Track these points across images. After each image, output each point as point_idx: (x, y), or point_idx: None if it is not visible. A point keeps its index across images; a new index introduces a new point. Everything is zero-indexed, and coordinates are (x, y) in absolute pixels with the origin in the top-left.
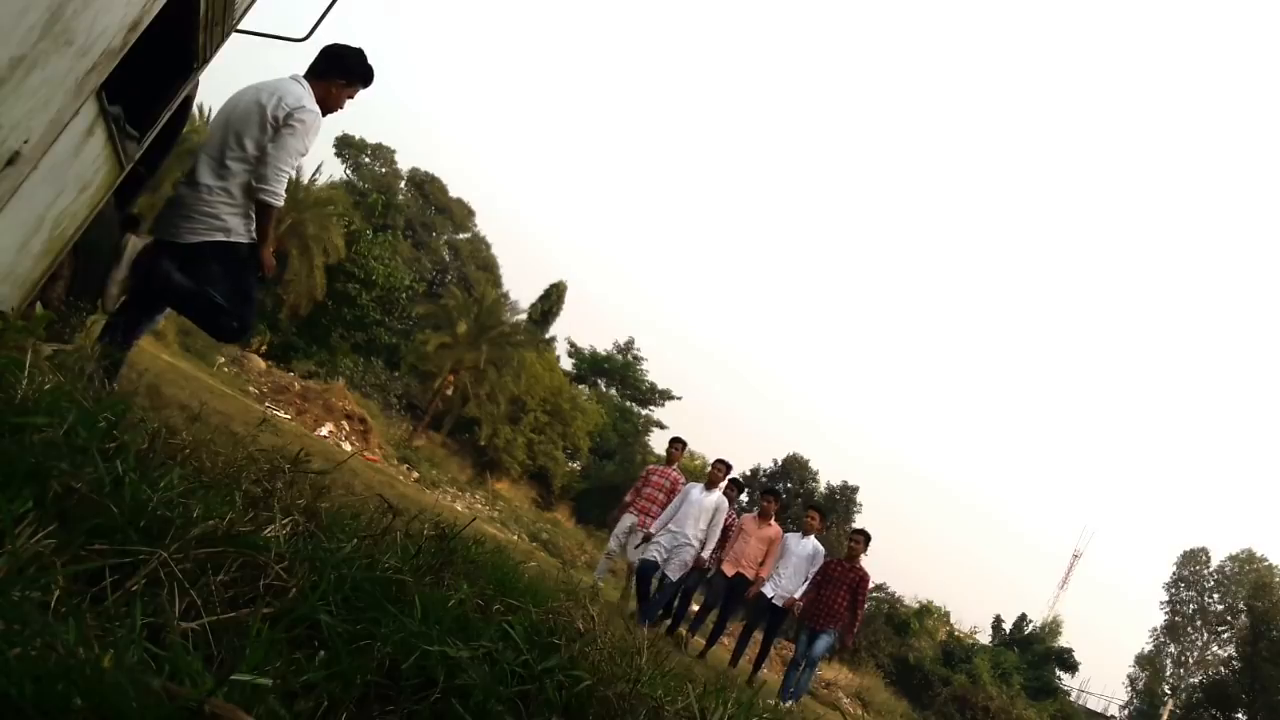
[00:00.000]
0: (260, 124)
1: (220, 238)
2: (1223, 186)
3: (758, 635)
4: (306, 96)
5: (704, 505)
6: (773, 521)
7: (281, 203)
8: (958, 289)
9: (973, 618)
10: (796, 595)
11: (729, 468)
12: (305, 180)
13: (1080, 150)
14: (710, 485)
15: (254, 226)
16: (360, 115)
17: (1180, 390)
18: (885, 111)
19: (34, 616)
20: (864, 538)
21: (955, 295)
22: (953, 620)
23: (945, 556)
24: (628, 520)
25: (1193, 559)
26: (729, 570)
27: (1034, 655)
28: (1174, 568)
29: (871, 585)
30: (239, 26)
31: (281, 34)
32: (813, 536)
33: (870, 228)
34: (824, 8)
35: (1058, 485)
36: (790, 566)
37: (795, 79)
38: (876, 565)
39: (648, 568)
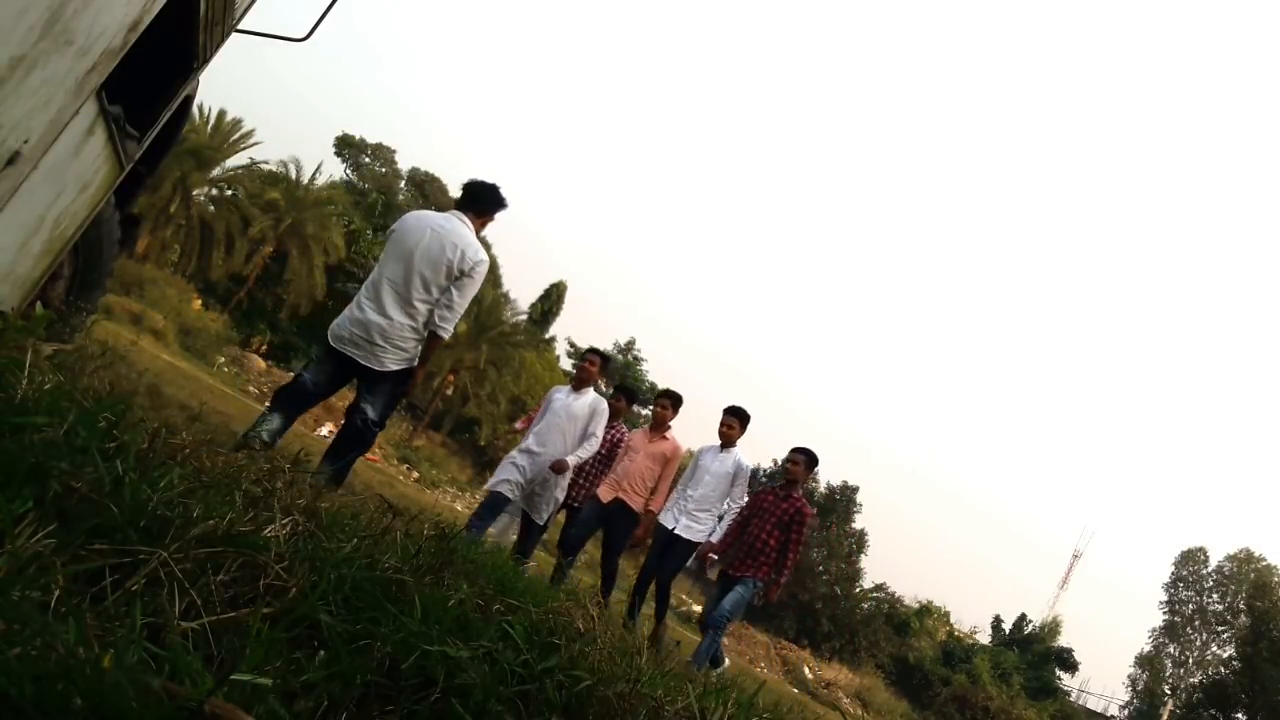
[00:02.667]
0: (448, 274)
1: (406, 365)
2: (1222, 187)
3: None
4: (481, 248)
5: (573, 410)
6: (669, 434)
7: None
8: (959, 289)
9: (973, 618)
10: (712, 536)
11: (606, 359)
12: (305, 180)
13: (1080, 150)
14: (580, 384)
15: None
16: (361, 115)
17: (1179, 391)
18: (890, 111)
19: (34, 616)
20: (804, 457)
21: (956, 295)
22: (953, 620)
23: (945, 556)
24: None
25: (1191, 559)
26: (605, 495)
27: (1034, 655)
28: (1172, 568)
29: (812, 522)
30: (239, 26)
31: (281, 34)
32: (737, 450)
33: (871, 227)
34: (826, 6)
35: (1058, 485)
36: (703, 489)
37: (795, 79)
38: (876, 564)
39: (498, 500)
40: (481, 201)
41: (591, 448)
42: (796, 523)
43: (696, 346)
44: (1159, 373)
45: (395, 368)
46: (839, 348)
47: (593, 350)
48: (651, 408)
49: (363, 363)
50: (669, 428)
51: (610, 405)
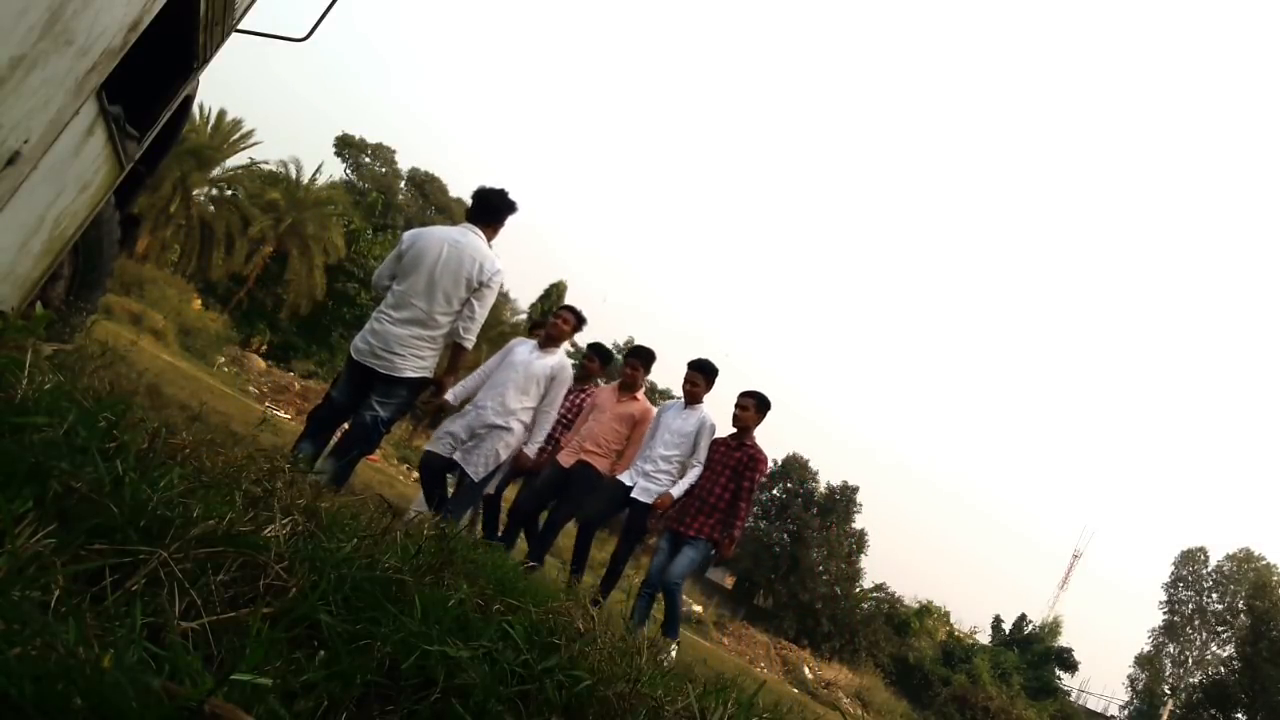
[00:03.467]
0: (468, 286)
1: (424, 374)
2: (1222, 185)
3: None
4: (497, 260)
5: (533, 370)
6: (640, 395)
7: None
8: (959, 287)
9: (972, 618)
10: (674, 491)
11: (580, 320)
12: (305, 180)
13: (1080, 147)
14: (548, 342)
15: (437, 360)
16: (361, 115)
17: (1180, 390)
18: (888, 108)
19: (34, 616)
20: (754, 401)
21: (957, 293)
22: (953, 620)
23: (945, 556)
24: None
25: (1191, 559)
26: (567, 460)
27: (1034, 655)
28: (1173, 567)
29: (769, 469)
30: (239, 26)
31: (281, 34)
32: (702, 408)
33: (871, 224)
34: (827, 6)
35: (1058, 485)
36: (662, 448)
37: (795, 78)
38: (876, 564)
39: (433, 462)
40: (490, 210)
41: (546, 425)
42: (749, 469)
43: (698, 346)
44: (1159, 372)
45: (411, 375)
46: (839, 347)
47: (567, 307)
48: (622, 370)
49: (380, 370)
50: (640, 389)
51: (583, 367)
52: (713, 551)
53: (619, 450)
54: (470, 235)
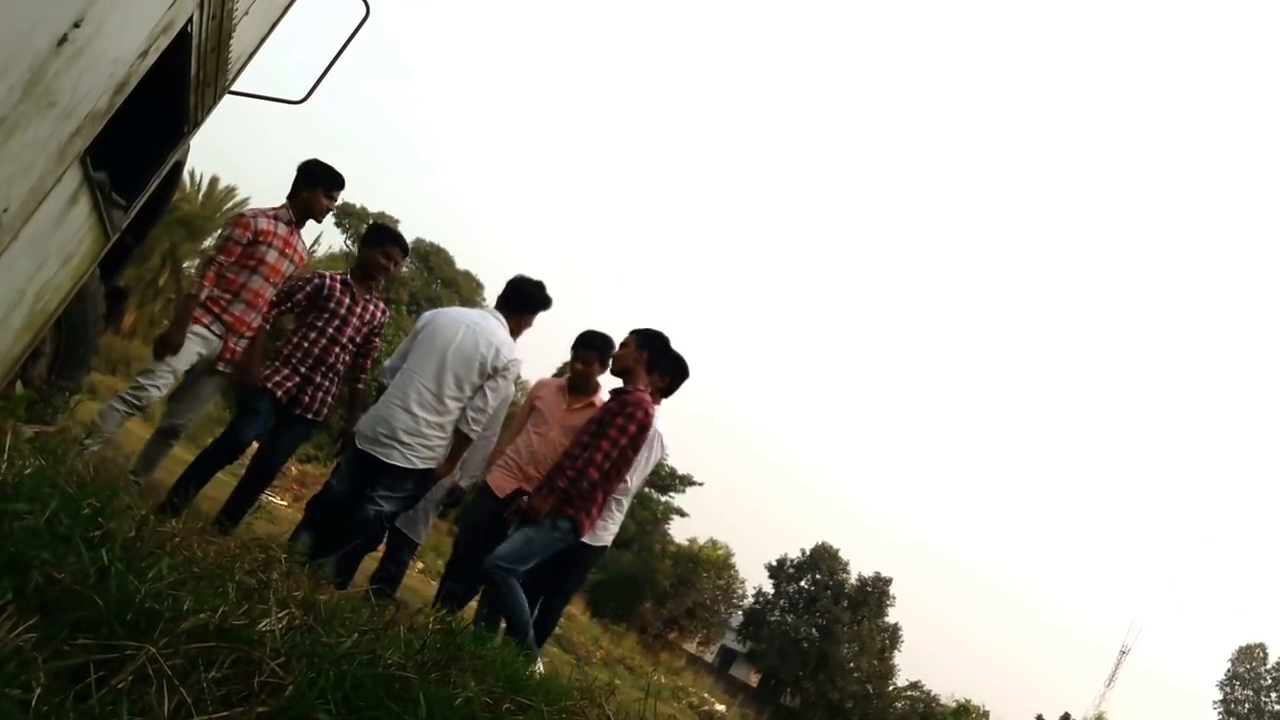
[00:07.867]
0: (480, 371)
1: (432, 465)
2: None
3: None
4: (515, 348)
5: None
6: (598, 398)
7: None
8: (999, 370)
9: (1013, 717)
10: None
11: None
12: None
13: (1136, 205)
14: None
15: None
16: (362, 183)
17: (1235, 478)
18: (900, 122)
19: (14, 715)
20: (635, 338)
21: (996, 377)
22: None
23: (984, 652)
24: (195, 347)
25: (1249, 655)
26: (502, 485)
27: None
28: (1229, 664)
29: (646, 418)
30: (233, 88)
31: (278, 96)
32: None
33: (904, 301)
34: (825, 21)
35: (1104, 577)
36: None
37: (786, 102)
38: (911, 660)
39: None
40: (523, 301)
41: (484, 447)
42: (611, 414)
43: (718, 423)
44: (1211, 460)
45: (420, 465)
46: (872, 430)
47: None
48: (572, 363)
49: (386, 460)
50: (597, 389)
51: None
52: (564, 528)
53: None
54: (490, 320)
